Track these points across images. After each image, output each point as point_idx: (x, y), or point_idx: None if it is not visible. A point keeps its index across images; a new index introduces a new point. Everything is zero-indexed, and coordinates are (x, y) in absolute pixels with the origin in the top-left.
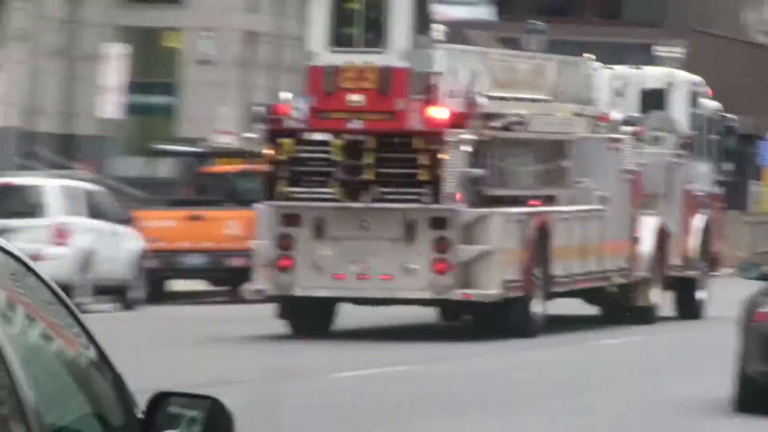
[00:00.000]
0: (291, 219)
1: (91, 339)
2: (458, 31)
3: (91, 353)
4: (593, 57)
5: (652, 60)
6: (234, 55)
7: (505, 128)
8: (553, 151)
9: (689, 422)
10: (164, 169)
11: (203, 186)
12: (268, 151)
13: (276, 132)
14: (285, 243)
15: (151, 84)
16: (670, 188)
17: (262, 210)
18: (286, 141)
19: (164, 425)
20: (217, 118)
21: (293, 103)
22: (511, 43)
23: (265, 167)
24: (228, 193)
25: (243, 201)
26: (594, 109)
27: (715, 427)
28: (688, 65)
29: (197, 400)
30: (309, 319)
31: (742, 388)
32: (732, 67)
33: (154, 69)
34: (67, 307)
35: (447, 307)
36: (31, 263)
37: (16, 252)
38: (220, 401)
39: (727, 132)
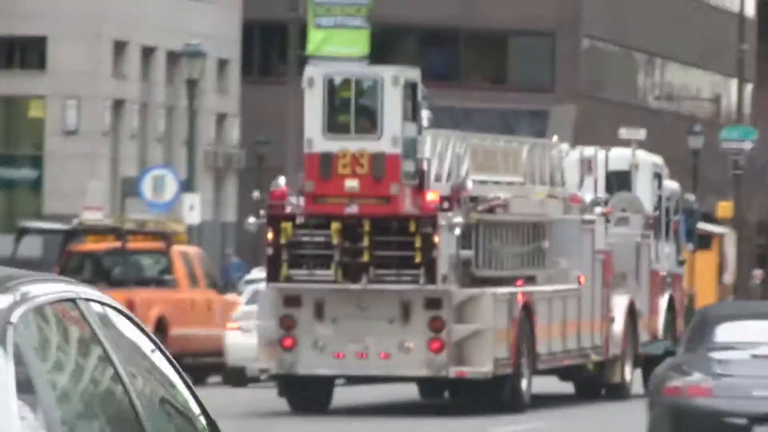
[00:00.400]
0: (292, 300)
1: (190, 388)
2: None
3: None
4: (558, 139)
5: (553, 130)
6: (101, 125)
7: (489, 211)
8: (532, 233)
9: None
10: (31, 247)
11: (72, 266)
12: (269, 235)
13: (276, 217)
14: (287, 323)
15: (15, 156)
16: (638, 268)
17: (266, 291)
18: (286, 225)
19: None
20: (86, 192)
21: (288, 190)
22: None
23: (268, 251)
24: (98, 272)
25: (114, 281)
26: (565, 190)
27: None
28: (578, 130)
29: None
30: (308, 396)
31: None
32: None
33: (18, 140)
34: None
35: (438, 384)
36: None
37: (115, 304)
38: None
39: (688, 213)
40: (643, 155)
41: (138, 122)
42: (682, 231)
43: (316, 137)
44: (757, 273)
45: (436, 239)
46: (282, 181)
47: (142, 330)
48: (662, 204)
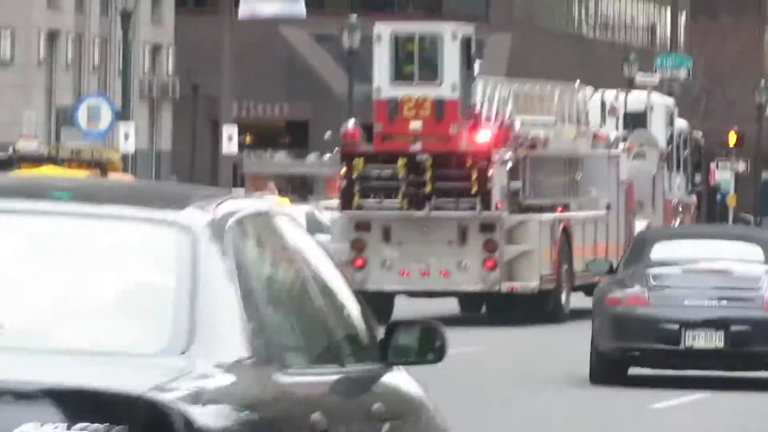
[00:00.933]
0: (363, 225)
1: (343, 279)
2: (273, 29)
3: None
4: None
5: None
6: (35, 55)
7: (532, 147)
8: (567, 166)
9: (552, 394)
10: None
11: None
12: (343, 170)
13: (350, 154)
14: (358, 246)
15: None
16: (654, 197)
17: (338, 218)
18: (358, 160)
19: (397, 349)
20: (21, 121)
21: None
22: (326, 40)
23: (341, 183)
24: None
25: None
26: (591, 129)
27: (572, 397)
28: (512, 60)
29: (419, 326)
30: (374, 309)
31: (595, 363)
32: (561, 63)
33: None
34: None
35: (480, 299)
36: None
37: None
38: (437, 326)
39: (695, 148)
40: (657, 97)
41: (72, 53)
42: (691, 164)
43: (384, 85)
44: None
45: (490, 172)
46: (352, 122)
47: (310, 239)
48: (674, 140)
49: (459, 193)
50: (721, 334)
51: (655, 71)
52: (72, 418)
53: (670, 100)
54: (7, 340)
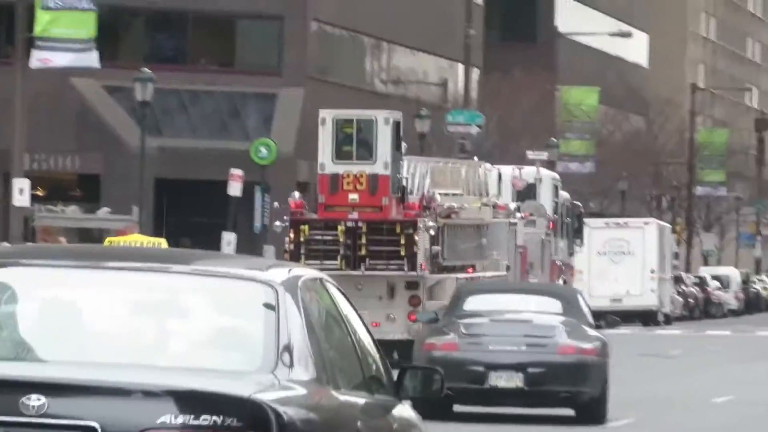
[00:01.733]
0: None
1: (368, 331)
2: (65, 80)
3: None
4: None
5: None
6: None
7: (447, 216)
8: (475, 233)
9: None
10: None
11: None
12: (291, 235)
13: (297, 221)
14: None
15: None
16: (543, 259)
17: None
18: (304, 227)
19: (406, 387)
20: None
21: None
22: (119, 91)
23: (289, 246)
24: None
25: None
26: (491, 199)
27: None
28: (304, 114)
29: (422, 371)
30: None
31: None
32: None
33: None
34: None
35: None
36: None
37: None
38: (437, 370)
39: (575, 216)
40: (545, 171)
41: None
42: (571, 230)
43: (327, 162)
44: None
45: (416, 238)
46: (297, 194)
47: (347, 299)
48: (558, 209)
49: (389, 255)
50: (520, 375)
51: (447, 126)
52: (198, 412)
53: (555, 175)
54: (153, 359)
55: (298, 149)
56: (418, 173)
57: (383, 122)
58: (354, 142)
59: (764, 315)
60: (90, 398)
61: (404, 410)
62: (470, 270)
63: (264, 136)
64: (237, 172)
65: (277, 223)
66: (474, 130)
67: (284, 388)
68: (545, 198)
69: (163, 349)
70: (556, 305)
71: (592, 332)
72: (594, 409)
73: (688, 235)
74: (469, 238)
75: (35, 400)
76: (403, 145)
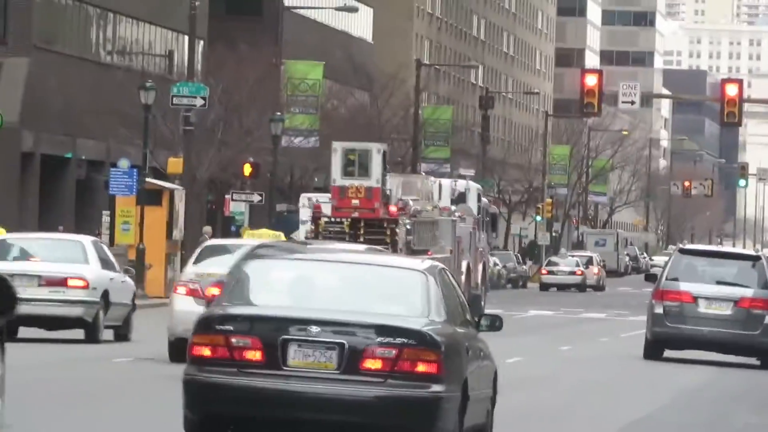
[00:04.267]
0: None
1: (461, 293)
2: None
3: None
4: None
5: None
6: None
7: (414, 216)
8: (431, 227)
9: None
10: None
11: None
12: (312, 227)
13: (317, 217)
14: None
15: None
16: (471, 247)
17: None
18: (322, 221)
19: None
20: None
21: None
22: None
23: (310, 234)
24: None
25: None
26: (434, 203)
27: None
28: (30, 83)
29: (491, 316)
30: None
31: None
32: (78, 87)
33: None
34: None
35: None
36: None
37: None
38: (499, 316)
39: (491, 217)
40: (471, 183)
41: None
42: (489, 226)
43: (337, 178)
44: (207, 229)
45: (397, 231)
46: (315, 199)
47: (453, 277)
48: (480, 211)
49: (378, 242)
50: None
51: (172, 99)
52: (393, 337)
53: (478, 186)
54: (367, 310)
55: (23, 119)
56: (395, 186)
57: (376, 152)
58: (356, 164)
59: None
60: (340, 329)
61: (480, 336)
62: (429, 253)
63: None
64: None
65: (301, 228)
66: (198, 102)
67: (432, 324)
68: (472, 202)
69: (371, 306)
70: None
71: None
72: None
73: None
74: (428, 231)
75: (314, 329)
76: (387, 166)
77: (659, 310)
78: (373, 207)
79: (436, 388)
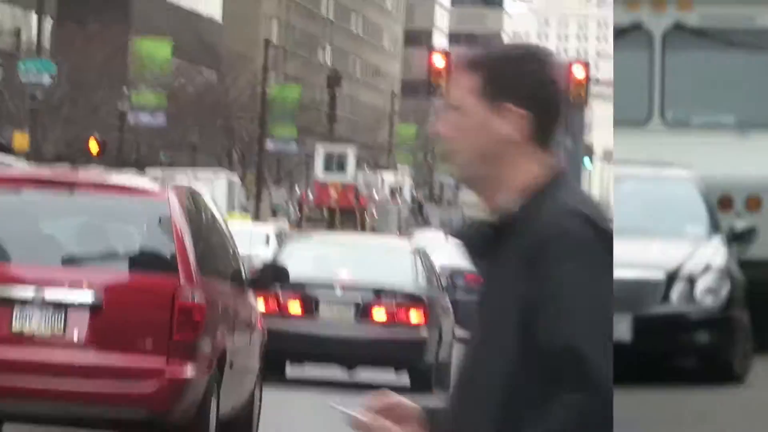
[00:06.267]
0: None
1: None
2: None
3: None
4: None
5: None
6: None
7: (376, 207)
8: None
9: None
10: None
11: None
12: (299, 213)
13: (301, 205)
14: None
15: None
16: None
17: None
18: (305, 209)
19: None
20: None
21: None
22: None
23: (297, 220)
24: None
25: None
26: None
27: None
28: None
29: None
30: None
31: None
32: None
33: None
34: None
35: None
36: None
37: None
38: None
39: (419, 202)
40: (407, 179)
41: None
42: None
43: (319, 174)
44: None
45: (366, 217)
46: (301, 191)
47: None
48: (415, 200)
49: (352, 225)
50: None
51: (19, 75)
52: (392, 300)
53: (410, 181)
54: (363, 277)
55: None
56: (360, 182)
57: (351, 154)
58: (334, 163)
59: None
60: (359, 291)
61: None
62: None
63: None
64: None
65: (292, 211)
66: (46, 79)
67: (420, 288)
68: (406, 193)
69: (378, 274)
70: None
71: None
72: None
73: (257, 188)
74: (380, 215)
75: (339, 289)
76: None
77: None
78: (347, 198)
79: (423, 332)
